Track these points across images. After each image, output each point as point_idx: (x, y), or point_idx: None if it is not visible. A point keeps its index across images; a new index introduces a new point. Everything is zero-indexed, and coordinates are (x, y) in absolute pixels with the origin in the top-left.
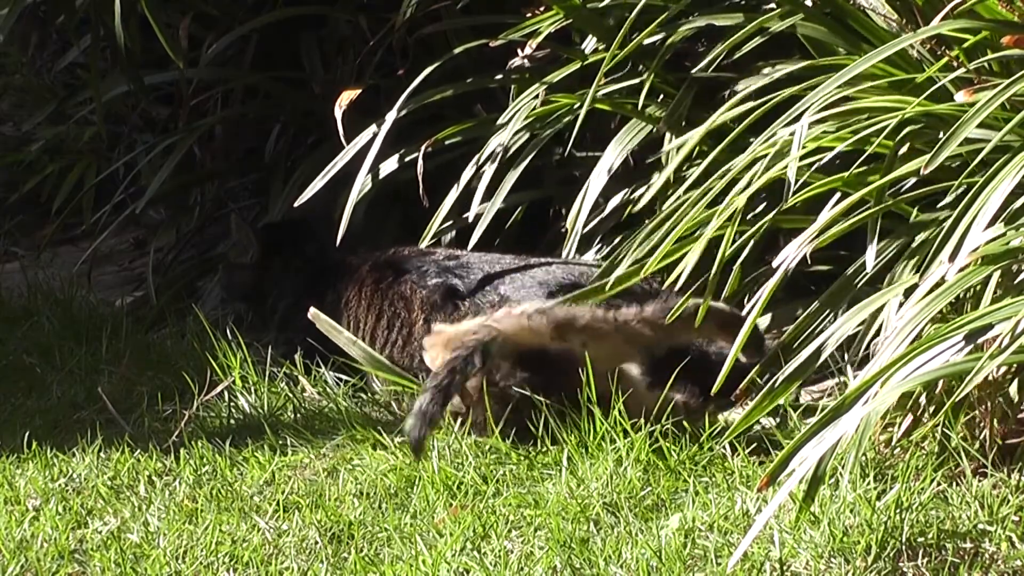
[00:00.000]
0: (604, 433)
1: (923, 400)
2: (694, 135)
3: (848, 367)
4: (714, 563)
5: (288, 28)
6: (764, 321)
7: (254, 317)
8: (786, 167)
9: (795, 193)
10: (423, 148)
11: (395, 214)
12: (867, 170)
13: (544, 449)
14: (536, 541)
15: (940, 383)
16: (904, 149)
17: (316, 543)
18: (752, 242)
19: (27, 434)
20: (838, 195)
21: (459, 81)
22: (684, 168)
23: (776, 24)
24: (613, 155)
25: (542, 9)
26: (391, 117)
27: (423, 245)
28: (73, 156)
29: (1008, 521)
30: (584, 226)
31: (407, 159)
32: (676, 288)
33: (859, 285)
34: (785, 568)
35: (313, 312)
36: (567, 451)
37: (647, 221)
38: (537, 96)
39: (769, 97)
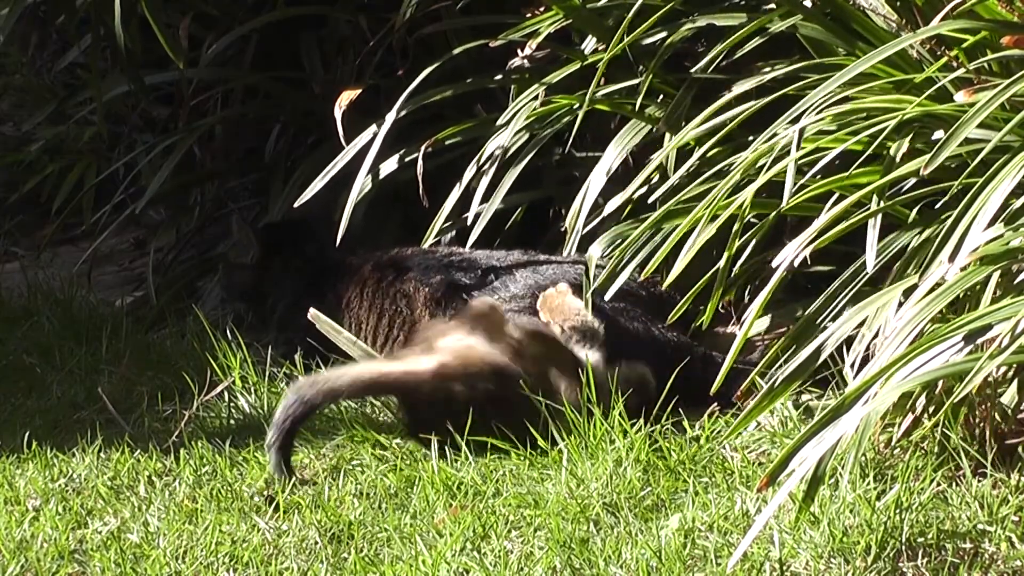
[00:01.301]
0: (604, 433)
1: (923, 400)
2: (690, 127)
3: (848, 367)
4: (714, 563)
5: (288, 28)
6: (764, 321)
7: (254, 317)
8: (785, 168)
9: (795, 194)
10: (423, 148)
11: (395, 214)
12: (867, 170)
13: (544, 449)
14: (536, 541)
15: (940, 383)
16: (904, 149)
17: (316, 543)
18: (753, 242)
19: (27, 434)
20: (837, 195)
21: (459, 81)
22: (689, 169)
23: (776, 24)
24: (613, 155)
25: (542, 9)
26: (391, 117)
27: (425, 246)
28: (73, 156)
29: (1008, 521)
30: (584, 226)
31: (407, 159)
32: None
33: (859, 285)
34: (785, 568)
35: (313, 313)
36: (567, 451)
37: (647, 221)
38: (537, 96)
39: (773, 96)
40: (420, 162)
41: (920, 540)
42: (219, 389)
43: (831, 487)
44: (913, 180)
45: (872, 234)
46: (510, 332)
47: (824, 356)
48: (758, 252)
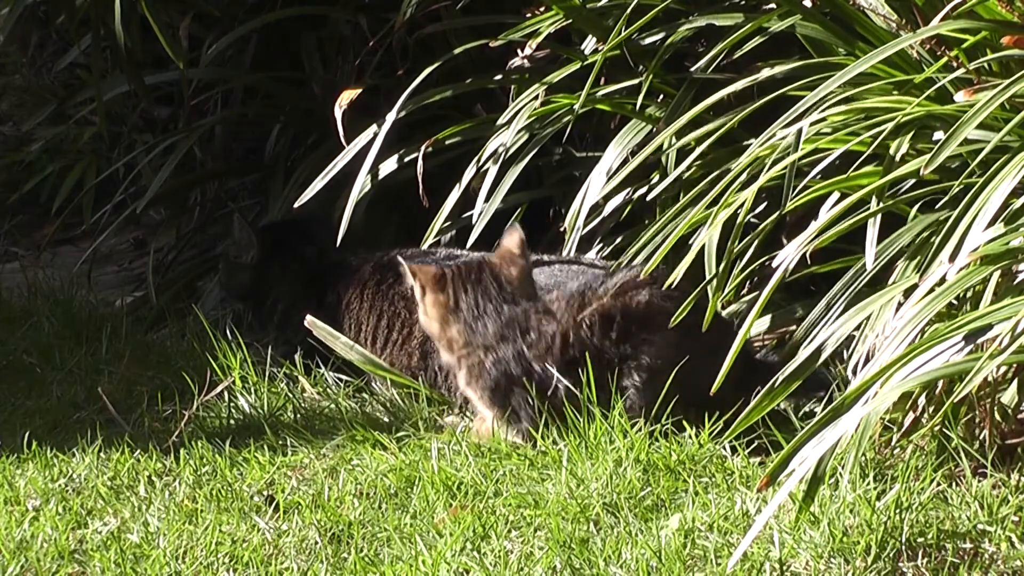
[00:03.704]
0: (604, 433)
1: (923, 400)
2: (683, 119)
3: (848, 367)
4: (714, 563)
5: (288, 28)
6: (764, 322)
7: (254, 317)
8: (785, 168)
9: (795, 194)
10: (423, 148)
11: (395, 214)
12: (867, 171)
13: (544, 449)
14: (536, 541)
15: (940, 383)
16: (904, 149)
17: (316, 543)
18: (754, 243)
19: (27, 434)
20: (837, 195)
21: (459, 81)
22: (687, 170)
23: (775, 24)
24: (613, 155)
25: (542, 9)
26: (391, 117)
27: (425, 246)
28: (73, 156)
29: (1008, 521)
30: (584, 226)
31: (407, 159)
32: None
33: (859, 285)
34: (785, 568)
35: (310, 320)
36: (567, 451)
37: (647, 221)
38: (537, 96)
39: (773, 96)
40: (420, 162)
41: (920, 540)
42: (219, 389)
43: (831, 487)
44: (913, 180)
45: (872, 234)
46: None
47: (824, 356)
48: (758, 253)
